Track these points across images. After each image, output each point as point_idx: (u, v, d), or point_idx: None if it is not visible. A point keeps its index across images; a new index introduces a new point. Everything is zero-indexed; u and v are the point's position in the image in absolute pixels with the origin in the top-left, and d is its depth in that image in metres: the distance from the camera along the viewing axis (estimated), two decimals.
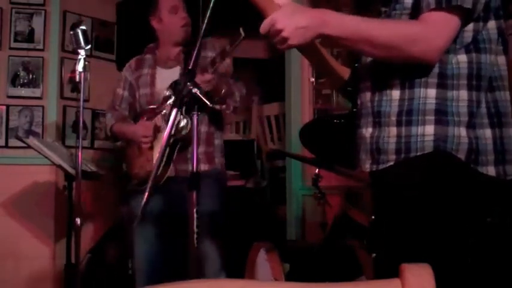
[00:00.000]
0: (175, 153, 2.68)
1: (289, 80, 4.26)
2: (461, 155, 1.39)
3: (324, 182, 2.98)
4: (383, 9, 1.55)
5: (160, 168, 2.63)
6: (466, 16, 1.39)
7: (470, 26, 1.42)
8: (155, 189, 2.49)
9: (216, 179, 2.80)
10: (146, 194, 1.61)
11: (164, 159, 2.63)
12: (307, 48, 1.67)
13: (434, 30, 1.38)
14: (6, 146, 3.95)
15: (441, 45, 1.38)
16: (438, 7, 1.38)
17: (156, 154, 2.74)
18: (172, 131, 2.53)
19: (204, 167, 2.77)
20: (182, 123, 2.57)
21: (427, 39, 1.37)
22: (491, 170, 1.41)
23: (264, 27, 1.41)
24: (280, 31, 1.38)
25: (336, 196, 3.50)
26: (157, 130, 2.78)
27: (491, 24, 1.44)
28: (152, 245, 2.75)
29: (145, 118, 2.86)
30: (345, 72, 1.79)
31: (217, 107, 2.73)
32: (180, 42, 2.88)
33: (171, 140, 2.61)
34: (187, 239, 2.47)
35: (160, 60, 2.91)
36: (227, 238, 2.78)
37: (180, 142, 2.66)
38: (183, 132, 2.58)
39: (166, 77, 2.80)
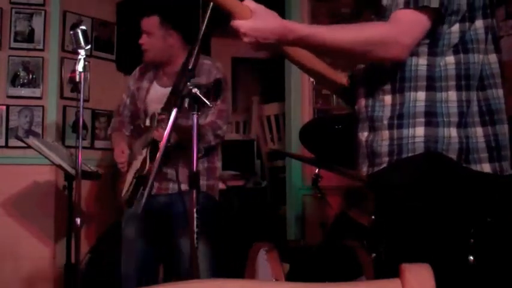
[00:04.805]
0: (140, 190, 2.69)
1: (289, 80, 4.26)
2: (452, 155, 1.41)
3: (324, 182, 2.98)
4: (373, 17, 1.57)
5: (129, 191, 2.73)
6: (436, 16, 1.41)
7: (457, 27, 1.44)
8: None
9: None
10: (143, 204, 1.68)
11: (131, 187, 2.72)
12: (283, 54, 1.70)
13: (400, 29, 1.41)
14: (6, 146, 3.95)
15: (408, 43, 1.41)
16: (406, 7, 1.41)
17: (129, 178, 2.78)
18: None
19: (184, 186, 2.56)
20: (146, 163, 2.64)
21: (393, 39, 1.41)
22: (486, 167, 1.43)
23: (231, 29, 1.43)
24: (244, 41, 1.41)
25: (336, 196, 3.50)
26: (133, 156, 2.81)
27: (479, 23, 1.46)
28: (135, 260, 2.79)
29: (135, 134, 2.91)
30: (334, 74, 1.79)
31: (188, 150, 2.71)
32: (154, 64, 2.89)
33: (137, 176, 2.69)
34: (169, 253, 2.59)
35: (158, 75, 2.90)
36: (214, 255, 2.74)
37: (139, 179, 2.68)
38: (144, 172, 2.64)
39: (159, 94, 2.77)
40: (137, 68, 3.01)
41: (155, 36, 2.80)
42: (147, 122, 2.74)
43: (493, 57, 1.48)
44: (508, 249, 1.50)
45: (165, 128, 1.80)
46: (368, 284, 1.02)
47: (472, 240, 1.42)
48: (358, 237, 2.61)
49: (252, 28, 1.39)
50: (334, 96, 4.14)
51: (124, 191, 2.77)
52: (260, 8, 1.42)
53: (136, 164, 2.74)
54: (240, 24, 1.40)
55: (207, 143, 2.71)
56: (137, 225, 2.78)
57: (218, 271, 2.70)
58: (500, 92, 1.48)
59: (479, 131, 1.44)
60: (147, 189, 1.74)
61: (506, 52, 1.56)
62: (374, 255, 1.67)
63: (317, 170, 2.94)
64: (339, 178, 3.13)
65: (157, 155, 1.82)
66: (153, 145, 2.63)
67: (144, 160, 2.67)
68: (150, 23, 2.81)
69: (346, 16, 3.93)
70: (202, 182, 2.77)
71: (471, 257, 1.41)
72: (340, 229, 2.88)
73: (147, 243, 2.78)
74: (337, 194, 3.55)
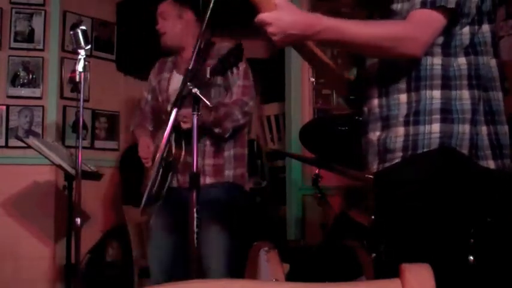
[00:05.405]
0: (169, 176, 2.65)
1: (289, 80, 4.26)
2: (464, 150, 1.46)
3: (324, 182, 2.98)
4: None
5: (156, 185, 2.64)
6: (451, 16, 1.46)
7: (467, 29, 1.49)
8: (162, 200, 2.65)
9: (221, 192, 2.68)
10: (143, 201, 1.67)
11: (158, 176, 2.62)
12: (299, 48, 1.72)
13: (418, 27, 1.46)
14: (6, 146, 3.95)
15: (425, 40, 1.46)
16: (423, 7, 1.46)
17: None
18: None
19: (209, 179, 2.65)
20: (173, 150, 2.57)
21: (412, 36, 1.45)
22: (491, 164, 1.48)
23: (256, 22, 1.46)
24: (270, 34, 1.44)
25: (336, 196, 3.50)
26: (157, 149, 2.76)
27: (485, 27, 1.52)
28: (163, 252, 2.74)
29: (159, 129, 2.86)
30: (344, 74, 1.81)
31: (216, 130, 2.60)
32: (171, 50, 2.88)
33: (163, 163, 2.61)
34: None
35: (177, 64, 2.86)
36: (232, 248, 2.71)
37: (169, 168, 2.63)
38: (170, 158, 2.57)
39: (177, 82, 2.74)
40: (157, 62, 2.97)
41: (170, 16, 2.80)
42: (169, 108, 2.71)
43: (493, 61, 1.53)
44: (508, 249, 1.50)
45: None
46: (368, 284, 1.02)
47: (472, 240, 1.42)
48: (358, 237, 2.61)
49: (277, 18, 1.43)
50: (334, 96, 4.14)
51: (150, 183, 2.73)
52: (285, 2, 1.46)
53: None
54: (265, 15, 1.44)
55: (235, 122, 2.62)
56: (165, 218, 2.73)
57: (237, 265, 2.69)
58: (500, 94, 1.53)
59: (484, 129, 1.48)
60: (149, 185, 1.75)
61: (506, 52, 1.58)
62: (374, 255, 1.67)
63: (317, 170, 2.94)
64: (339, 178, 3.13)
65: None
66: (176, 129, 2.54)
67: (170, 147, 2.59)
68: (165, 5, 2.84)
69: (347, 16, 3.93)
70: (229, 173, 2.71)
71: (471, 257, 1.42)
72: (340, 229, 2.88)
73: (174, 237, 2.71)
74: (337, 194, 3.55)
